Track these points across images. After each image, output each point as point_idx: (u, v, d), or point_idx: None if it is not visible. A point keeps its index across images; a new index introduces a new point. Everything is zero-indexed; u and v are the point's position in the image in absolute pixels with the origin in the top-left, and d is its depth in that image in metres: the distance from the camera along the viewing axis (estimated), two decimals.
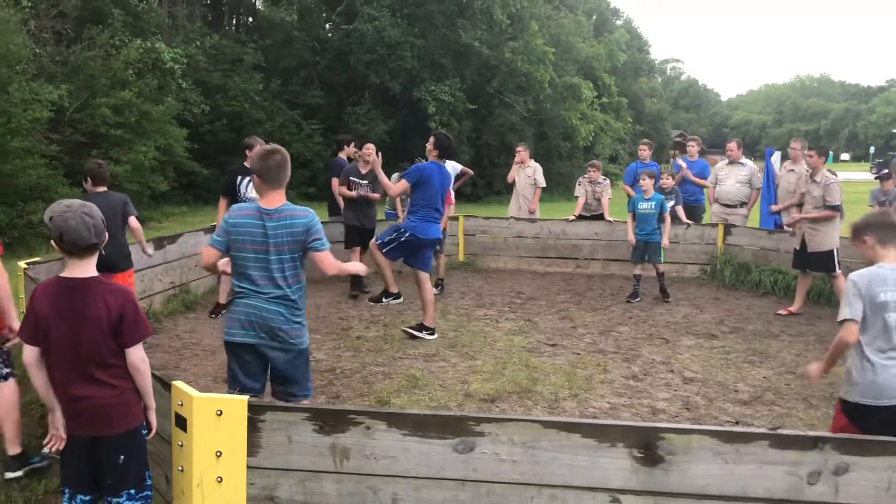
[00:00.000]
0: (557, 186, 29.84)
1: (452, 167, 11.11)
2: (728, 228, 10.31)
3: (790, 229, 8.70)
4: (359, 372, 6.00)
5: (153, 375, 2.97)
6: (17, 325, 3.85)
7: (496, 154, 27.22)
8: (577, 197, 11.17)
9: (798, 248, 8.17)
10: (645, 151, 11.00)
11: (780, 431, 2.69)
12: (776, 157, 11.45)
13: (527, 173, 10.93)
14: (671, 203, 10.17)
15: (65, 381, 2.80)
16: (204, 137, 20.96)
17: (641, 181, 9.00)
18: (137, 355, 2.83)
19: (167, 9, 23.97)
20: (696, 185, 10.64)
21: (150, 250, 7.28)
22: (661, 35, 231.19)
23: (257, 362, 3.84)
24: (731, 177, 10.14)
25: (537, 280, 10.43)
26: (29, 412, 4.88)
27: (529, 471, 2.75)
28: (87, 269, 2.81)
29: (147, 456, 2.99)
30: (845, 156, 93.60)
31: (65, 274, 2.83)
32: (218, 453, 2.82)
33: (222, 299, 7.68)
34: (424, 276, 7.02)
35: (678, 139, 59.73)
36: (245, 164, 7.57)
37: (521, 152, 10.96)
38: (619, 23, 59.14)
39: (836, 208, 7.80)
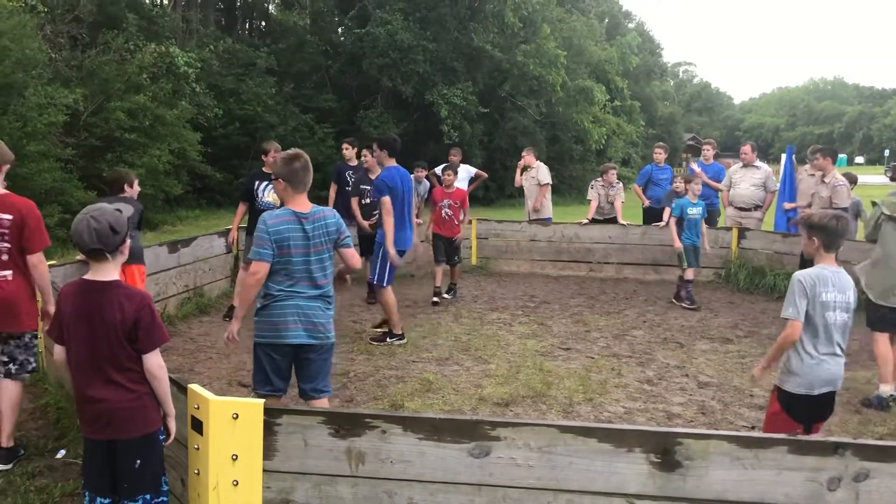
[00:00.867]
0: (570, 190, 29.75)
1: (466, 171, 11.13)
2: (742, 232, 10.25)
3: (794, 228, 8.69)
4: (372, 375, 6.00)
5: (169, 379, 2.97)
6: (53, 309, 3.94)
7: (508, 157, 27.14)
8: (590, 200, 11.13)
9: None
10: (660, 155, 10.97)
11: (799, 437, 2.67)
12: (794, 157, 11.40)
13: (531, 174, 10.97)
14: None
15: (83, 383, 2.81)
16: (217, 141, 21.03)
17: (685, 184, 8.86)
18: (154, 361, 2.82)
19: (181, 13, 24.08)
20: (711, 189, 10.58)
21: None
22: (673, 38, 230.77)
23: (288, 364, 4.02)
24: (746, 180, 10.08)
25: (550, 283, 10.40)
26: (45, 415, 4.91)
27: (545, 476, 2.74)
28: (105, 272, 2.82)
29: (164, 461, 2.99)
30: (860, 159, 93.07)
31: (87, 276, 2.85)
32: (234, 457, 2.82)
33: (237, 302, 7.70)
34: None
35: (691, 142, 59.48)
36: (263, 168, 7.59)
37: (526, 157, 11.04)
38: (631, 26, 58.96)
39: (843, 211, 7.76)
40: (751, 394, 5.68)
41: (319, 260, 3.92)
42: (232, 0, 29.44)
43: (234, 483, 2.84)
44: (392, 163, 6.98)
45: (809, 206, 8.15)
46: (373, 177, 8.62)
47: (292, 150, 4.09)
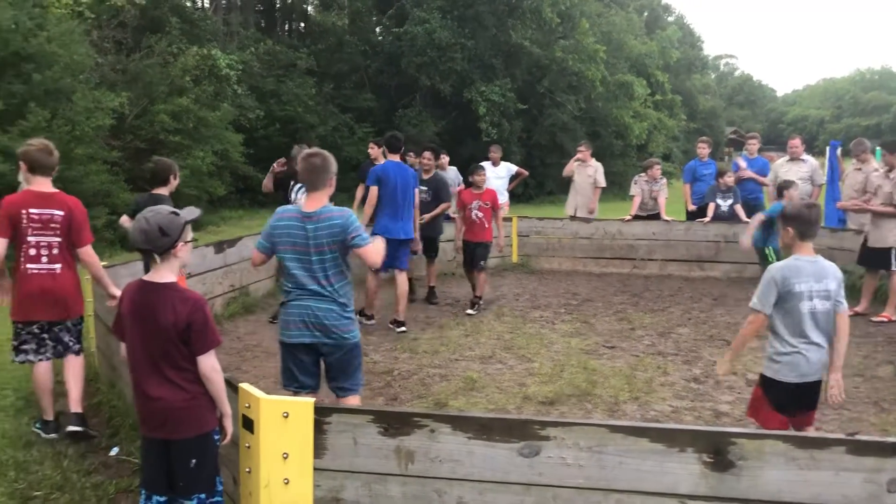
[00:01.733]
0: (612, 186, 29.33)
1: (507, 168, 11.07)
2: None
3: (855, 226, 8.50)
4: (416, 374, 6.01)
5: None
6: (116, 291, 4.47)
7: (547, 154, 27.03)
8: (633, 196, 11.00)
9: (863, 243, 8.03)
10: (704, 149, 10.81)
11: (857, 437, 2.61)
12: (838, 152, 11.15)
13: (587, 172, 10.82)
14: (729, 202, 9.97)
15: (139, 381, 2.87)
16: (259, 142, 21.28)
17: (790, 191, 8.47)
18: (208, 363, 2.86)
19: (222, 16, 24.42)
20: (757, 183, 10.40)
21: None
22: (713, 31, 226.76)
23: (312, 360, 4.03)
24: (792, 174, 9.85)
25: (593, 281, 10.32)
26: (98, 413, 5.02)
27: (595, 475, 2.71)
28: (162, 273, 2.87)
29: (218, 461, 3.03)
30: None
31: (146, 276, 2.90)
32: (285, 455, 2.85)
33: None
34: (401, 273, 7.48)
35: (732, 136, 58.54)
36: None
37: (584, 151, 10.86)
38: (670, 19, 58.22)
39: None
40: None
41: (321, 261, 3.86)
42: (271, 2, 29.76)
43: (285, 481, 2.86)
44: (395, 158, 7.48)
45: (867, 201, 7.97)
46: (426, 178, 8.57)
47: (312, 149, 4.12)
